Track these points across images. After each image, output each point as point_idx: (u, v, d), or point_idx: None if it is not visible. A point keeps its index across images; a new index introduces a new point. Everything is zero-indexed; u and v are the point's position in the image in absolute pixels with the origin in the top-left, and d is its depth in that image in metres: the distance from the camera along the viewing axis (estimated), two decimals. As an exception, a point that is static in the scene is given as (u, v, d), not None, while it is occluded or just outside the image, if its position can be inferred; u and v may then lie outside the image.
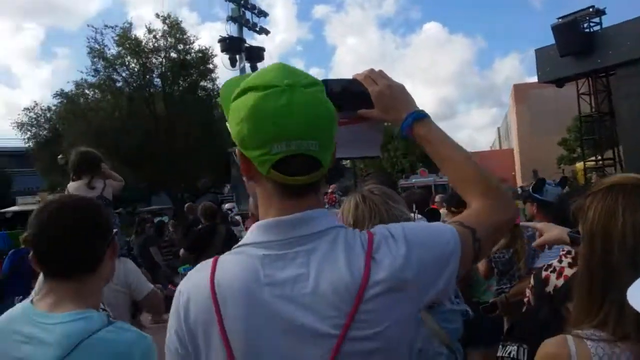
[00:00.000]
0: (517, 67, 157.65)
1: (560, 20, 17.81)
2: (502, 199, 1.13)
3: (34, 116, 29.55)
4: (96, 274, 1.44)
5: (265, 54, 20.90)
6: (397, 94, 1.18)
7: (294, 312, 0.92)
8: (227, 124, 1.02)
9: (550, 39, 18.03)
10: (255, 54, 20.69)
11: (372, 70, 1.20)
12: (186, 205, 11.07)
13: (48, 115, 29.53)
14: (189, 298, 0.97)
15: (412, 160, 36.69)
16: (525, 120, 44.52)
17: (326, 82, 1.07)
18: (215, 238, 5.83)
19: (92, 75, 26.66)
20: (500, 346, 1.84)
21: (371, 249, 0.95)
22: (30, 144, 30.35)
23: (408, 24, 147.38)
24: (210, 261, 1.00)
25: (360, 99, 1.17)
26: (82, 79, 27.41)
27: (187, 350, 0.96)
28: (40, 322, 1.33)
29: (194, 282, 0.99)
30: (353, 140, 1.21)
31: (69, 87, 27.74)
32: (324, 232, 0.98)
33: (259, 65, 19.90)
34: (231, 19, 20.62)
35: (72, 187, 3.29)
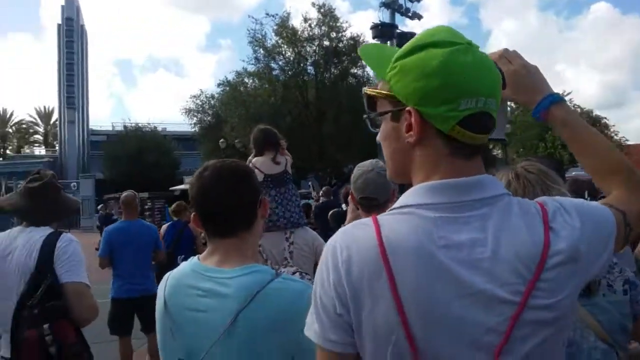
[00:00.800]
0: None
1: None
2: None
3: (200, 103, 32.29)
4: (252, 232, 1.52)
5: (418, 40, 20.57)
6: (532, 75, 1.16)
7: (472, 277, 0.88)
8: (384, 84, 1.02)
9: None
10: (407, 40, 20.20)
11: (506, 49, 1.19)
12: (323, 189, 11.60)
13: (212, 102, 32.07)
14: (351, 254, 0.92)
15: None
16: None
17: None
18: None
19: (252, 64, 28.43)
20: None
21: (547, 218, 0.94)
22: (196, 128, 33.24)
23: (573, 5, 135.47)
24: (368, 220, 0.96)
25: None
26: (242, 68, 29.37)
27: (346, 307, 0.92)
28: (215, 277, 1.41)
29: (354, 238, 0.94)
30: None
31: (230, 76, 29.86)
32: (496, 197, 0.95)
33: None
34: (384, 4, 20.57)
35: (259, 161, 3.47)
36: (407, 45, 0.99)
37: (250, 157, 3.59)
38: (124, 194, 5.48)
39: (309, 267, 3.06)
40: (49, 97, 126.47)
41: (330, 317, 0.94)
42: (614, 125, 44.37)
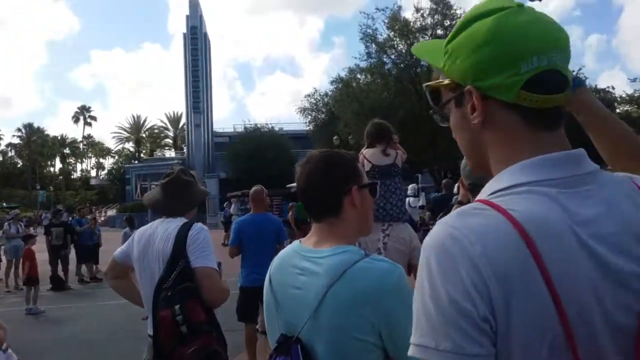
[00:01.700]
0: None
1: None
2: None
3: (314, 102, 33.11)
4: (341, 218, 1.56)
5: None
6: None
7: (610, 254, 0.81)
8: (443, 72, 0.95)
9: None
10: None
11: None
12: (443, 181, 11.41)
13: (325, 100, 32.72)
14: (486, 246, 0.77)
15: None
16: None
17: None
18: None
19: (365, 60, 28.53)
20: None
21: None
22: (310, 127, 34.10)
23: None
24: (481, 205, 0.84)
25: None
26: (355, 64, 29.60)
27: (491, 311, 0.76)
28: (311, 257, 1.51)
29: (482, 228, 0.79)
30: None
31: (343, 73, 30.22)
32: (598, 170, 0.88)
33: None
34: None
35: (368, 153, 3.50)
36: (455, 27, 0.94)
37: (362, 149, 3.64)
38: (253, 188, 5.76)
39: (403, 263, 3.03)
40: (178, 103, 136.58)
41: (471, 324, 0.75)
42: None
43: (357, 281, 1.39)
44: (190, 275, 2.52)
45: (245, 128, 47.73)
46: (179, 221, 2.73)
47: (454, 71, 0.92)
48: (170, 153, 69.15)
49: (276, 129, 48.26)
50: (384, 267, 1.42)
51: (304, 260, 1.53)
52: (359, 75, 29.85)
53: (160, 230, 2.72)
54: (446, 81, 0.95)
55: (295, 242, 1.64)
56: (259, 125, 47.16)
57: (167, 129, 76.59)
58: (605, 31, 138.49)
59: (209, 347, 2.46)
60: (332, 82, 31.15)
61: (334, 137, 27.93)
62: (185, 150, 55.72)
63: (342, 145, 26.52)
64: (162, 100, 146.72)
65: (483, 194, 0.88)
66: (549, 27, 0.87)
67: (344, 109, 27.89)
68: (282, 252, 1.65)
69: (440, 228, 0.83)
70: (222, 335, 2.63)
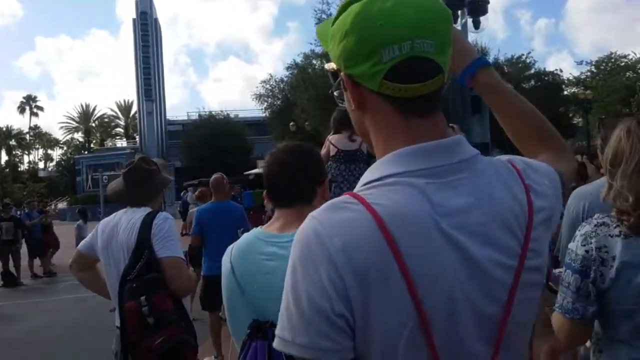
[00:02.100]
0: None
1: None
2: (568, 151, 1.12)
3: (269, 88, 32.84)
4: (312, 206, 1.60)
5: (489, 6, 19.65)
6: (458, 41, 1.04)
7: (474, 244, 0.81)
8: (332, 58, 0.92)
9: None
10: (478, 8, 19.58)
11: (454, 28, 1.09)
12: None
13: (281, 86, 32.53)
14: (346, 241, 0.77)
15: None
16: None
17: None
18: None
19: (320, 45, 28.37)
20: None
21: (522, 176, 0.90)
22: (267, 113, 33.87)
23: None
24: (347, 198, 0.83)
25: None
26: (310, 50, 29.50)
27: (349, 307, 0.77)
28: (277, 242, 1.55)
29: (344, 223, 0.79)
30: None
31: (299, 59, 30.08)
32: (474, 157, 0.88)
33: (482, 19, 18.77)
34: (452, -27, 19.85)
35: (335, 138, 3.53)
36: (339, 6, 0.90)
37: (329, 135, 3.67)
38: (214, 176, 5.70)
39: None
40: (129, 91, 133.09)
41: (326, 320, 0.77)
42: None
43: None
44: (156, 266, 2.47)
45: (199, 115, 46.95)
46: (143, 211, 2.68)
47: (332, 56, 0.91)
48: (121, 143, 67.54)
49: (231, 115, 47.75)
50: None
51: (269, 246, 1.56)
52: (314, 61, 29.78)
53: (124, 221, 2.67)
54: (332, 65, 0.93)
55: (256, 229, 1.67)
56: (213, 113, 46.56)
57: (117, 117, 74.35)
58: (553, 15, 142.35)
59: (177, 337, 2.43)
60: (287, 68, 31.02)
61: (291, 124, 27.85)
62: (137, 139, 54.49)
63: (298, 132, 26.52)
64: (112, 88, 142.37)
65: (359, 184, 0.88)
66: (418, 11, 0.83)
67: (300, 95, 27.82)
68: (241, 240, 1.66)
69: (308, 223, 0.83)
70: (191, 324, 2.61)
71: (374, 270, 0.76)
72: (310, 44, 35.71)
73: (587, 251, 1.56)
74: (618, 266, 1.50)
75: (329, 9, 27.37)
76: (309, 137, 25.73)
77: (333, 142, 3.54)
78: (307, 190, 1.66)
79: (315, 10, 27.80)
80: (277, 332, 0.82)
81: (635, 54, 32.56)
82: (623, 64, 34.35)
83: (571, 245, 1.63)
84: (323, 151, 3.70)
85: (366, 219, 0.78)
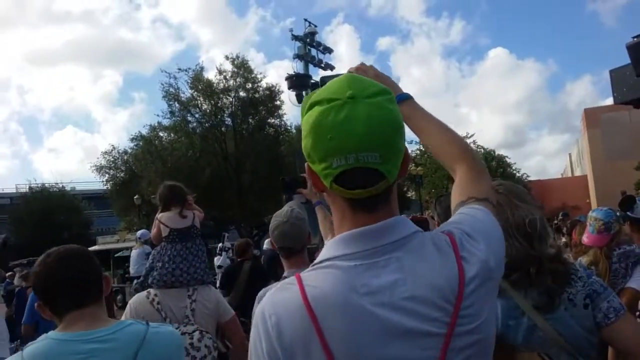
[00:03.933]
0: (589, 91, 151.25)
1: (635, 39, 17.08)
2: (478, 159, 1.26)
3: (112, 159, 31.19)
4: (100, 302, 1.67)
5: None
6: (383, 82, 1.21)
7: (398, 318, 0.92)
8: None
9: (625, 59, 17.30)
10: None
11: (362, 63, 1.36)
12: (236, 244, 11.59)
13: (125, 157, 31.09)
14: (280, 318, 0.94)
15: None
16: (598, 145, 42.45)
17: (323, 79, 1.14)
18: (240, 275, 5.89)
19: (168, 118, 27.91)
20: None
21: (457, 248, 0.99)
22: (108, 185, 31.93)
23: (473, 52, 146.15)
24: (292, 279, 0.99)
25: None
26: (157, 122, 28.84)
27: None
28: (95, 338, 1.53)
29: (281, 302, 0.96)
30: None
31: (144, 131, 29.16)
32: (409, 236, 0.99)
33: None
34: (297, 56, 21.12)
35: (165, 216, 3.39)
36: (310, 100, 1.01)
37: (157, 214, 3.52)
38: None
39: (211, 327, 3.04)
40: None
41: None
42: (515, 163, 47.86)
43: (156, 346, 1.58)
44: None
45: (30, 188, 42.72)
46: None
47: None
48: None
49: (67, 188, 44.21)
50: (169, 330, 1.73)
51: (84, 344, 1.51)
52: (161, 133, 29.12)
53: None
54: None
55: (52, 334, 1.57)
56: (47, 185, 42.68)
57: None
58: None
59: None
60: (132, 139, 29.79)
61: (135, 197, 26.58)
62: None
63: (143, 205, 25.31)
64: None
65: (311, 265, 1.02)
66: (364, 127, 0.93)
67: (147, 168, 26.78)
68: (34, 347, 1.53)
69: (262, 300, 1.00)
70: None
71: (299, 344, 0.91)
72: (157, 115, 35.00)
73: None
74: None
75: (176, 83, 27.35)
76: (156, 211, 24.69)
77: (164, 221, 3.37)
78: (96, 288, 1.67)
79: (163, 84, 27.46)
80: None
81: (455, 135, 36.73)
82: (446, 143, 38.40)
83: None
84: (153, 231, 3.47)
85: (297, 299, 0.93)
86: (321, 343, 0.90)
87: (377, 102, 0.96)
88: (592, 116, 43.92)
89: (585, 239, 3.57)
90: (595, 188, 39.31)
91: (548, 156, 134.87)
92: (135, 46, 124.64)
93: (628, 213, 3.47)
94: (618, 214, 3.60)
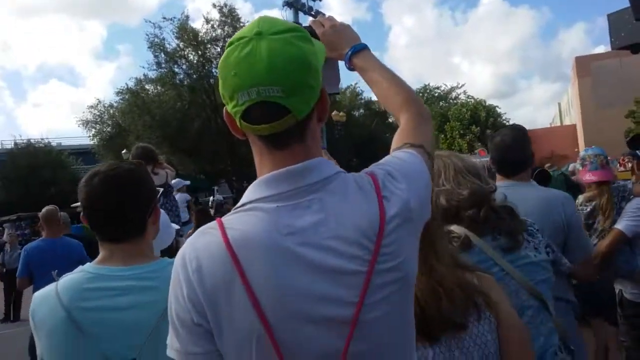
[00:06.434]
0: (582, 39, 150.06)
1: (636, -20, 16.77)
2: (423, 107, 1.28)
3: (98, 113, 30.70)
4: (145, 237, 1.56)
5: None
6: (340, 33, 1.33)
7: (321, 257, 0.93)
8: None
9: (624, 3, 17.03)
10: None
11: (321, 15, 1.35)
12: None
13: (111, 111, 30.58)
14: (200, 262, 0.94)
15: (470, 139, 35.91)
16: (588, 94, 42.63)
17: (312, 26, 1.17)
18: None
19: (154, 69, 27.33)
20: None
21: (379, 188, 1.00)
22: (95, 140, 31.54)
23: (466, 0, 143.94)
24: (213, 224, 0.98)
25: None
26: (144, 74, 28.25)
27: (204, 316, 0.93)
28: (132, 275, 1.44)
29: (202, 245, 0.96)
30: None
31: (131, 83, 28.56)
32: (331, 177, 1.00)
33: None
34: (287, 4, 20.61)
35: None
36: None
37: None
38: (45, 208, 5.01)
39: None
40: None
41: (190, 330, 0.94)
42: (505, 113, 47.99)
43: None
44: None
45: (15, 144, 42.05)
46: None
47: None
48: None
49: (54, 144, 43.60)
50: None
51: (118, 280, 1.43)
52: (148, 86, 28.52)
53: None
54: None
55: (87, 267, 1.51)
56: (32, 141, 42.00)
57: None
58: (376, 49, 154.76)
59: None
60: (117, 93, 29.13)
61: (123, 151, 26.28)
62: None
63: (131, 159, 25.05)
64: None
65: (233, 209, 1.02)
66: (268, 60, 0.93)
67: (135, 121, 26.37)
68: (69, 278, 1.48)
69: (183, 247, 0.99)
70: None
71: (221, 286, 0.91)
72: (143, 67, 34.30)
73: None
74: None
75: (162, 33, 26.61)
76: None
77: None
78: (139, 223, 1.54)
79: (148, 35, 26.70)
80: (167, 342, 0.98)
81: (446, 85, 36.64)
82: (437, 94, 38.45)
83: None
84: None
85: (218, 243, 0.93)
86: (243, 284, 0.90)
87: (283, 38, 0.96)
88: (583, 64, 43.79)
89: (590, 176, 3.57)
90: (584, 136, 39.52)
91: (538, 105, 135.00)
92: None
93: (637, 152, 3.46)
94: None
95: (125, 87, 28.41)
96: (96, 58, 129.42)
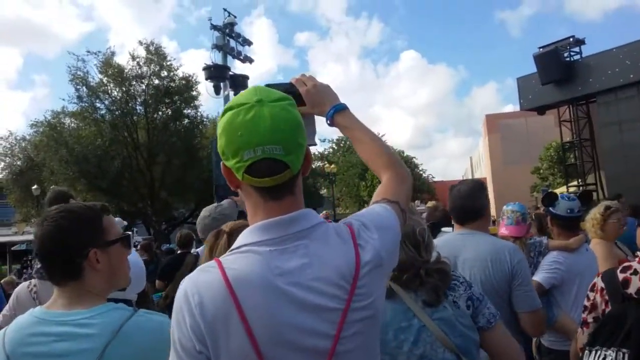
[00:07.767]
0: (493, 97, 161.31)
1: (541, 49, 18.40)
2: (403, 168, 1.43)
3: (9, 146, 28.95)
4: (85, 282, 1.51)
5: (249, 81, 20.88)
6: (321, 92, 1.46)
7: (306, 295, 1.08)
8: None
9: (531, 68, 18.64)
10: (239, 82, 20.53)
11: (303, 74, 1.51)
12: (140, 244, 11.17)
13: (23, 144, 28.96)
14: (202, 296, 1.06)
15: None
16: (497, 150, 45.52)
17: (270, 86, 1.28)
18: (182, 267, 5.58)
19: (75, 103, 26.15)
20: (587, 352, 1.85)
21: (355, 237, 1.17)
22: (4, 174, 29.59)
23: (389, 54, 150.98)
24: (212, 263, 1.12)
25: (297, 99, 1.36)
26: (63, 107, 27.06)
27: (204, 344, 1.05)
28: (70, 320, 1.44)
29: (203, 283, 1.09)
30: None
31: (48, 115, 27.15)
32: (315, 226, 1.16)
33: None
34: (216, 47, 20.56)
35: None
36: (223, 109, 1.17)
37: None
38: None
39: None
40: None
41: (191, 356, 1.06)
42: (422, 164, 50.02)
43: (134, 337, 1.43)
44: None
45: None
46: None
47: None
48: None
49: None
50: (158, 319, 1.52)
51: (57, 326, 1.43)
52: (66, 120, 27.28)
53: None
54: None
55: (35, 310, 1.51)
56: None
57: None
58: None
59: None
60: (32, 125, 27.65)
61: (34, 187, 24.84)
62: None
63: (42, 195, 23.63)
64: None
65: (229, 251, 1.16)
66: (270, 123, 1.09)
67: (50, 156, 25.00)
68: (18, 321, 1.49)
69: (183, 282, 1.11)
70: None
71: (221, 318, 1.05)
72: (63, 100, 32.72)
73: None
74: None
75: (84, 67, 25.78)
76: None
77: None
78: (70, 269, 1.50)
79: (70, 67, 25.65)
80: None
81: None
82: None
83: None
84: None
85: (218, 279, 1.07)
86: (240, 317, 1.04)
87: (280, 105, 1.13)
88: (492, 122, 46.86)
89: (504, 230, 3.78)
90: (493, 190, 41.86)
91: (452, 158, 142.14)
92: (38, 24, 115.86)
93: (550, 209, 3.64)
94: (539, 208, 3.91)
95: (44, 119, 27.02)
96: (9, 87, 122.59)
